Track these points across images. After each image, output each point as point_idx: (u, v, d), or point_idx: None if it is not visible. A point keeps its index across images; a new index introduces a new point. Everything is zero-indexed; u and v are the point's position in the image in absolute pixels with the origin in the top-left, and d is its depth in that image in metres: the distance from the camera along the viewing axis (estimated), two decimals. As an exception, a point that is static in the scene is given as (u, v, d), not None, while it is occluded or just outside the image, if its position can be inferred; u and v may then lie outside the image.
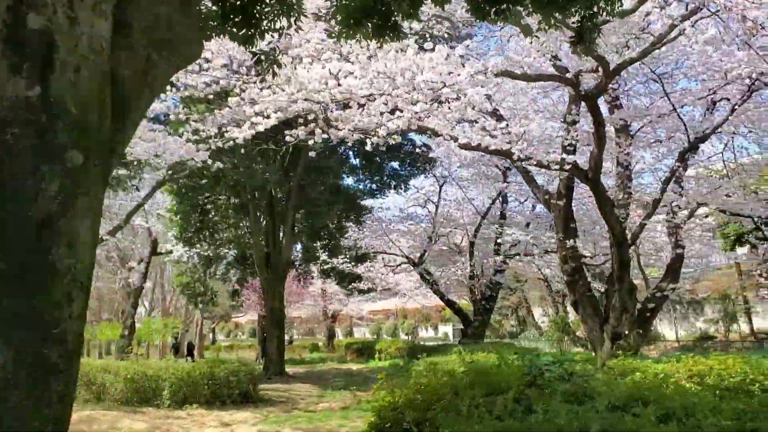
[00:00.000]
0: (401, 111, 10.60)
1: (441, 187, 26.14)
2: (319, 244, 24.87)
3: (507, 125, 11.89)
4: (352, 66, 7.71)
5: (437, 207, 26.20)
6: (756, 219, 16.12)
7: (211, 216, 24.63)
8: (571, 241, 13.80)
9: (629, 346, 13.56)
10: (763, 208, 15.32)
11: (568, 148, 12.97)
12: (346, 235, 27.73)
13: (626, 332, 13.59)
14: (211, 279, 33.61)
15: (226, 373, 13.67)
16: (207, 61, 10.73)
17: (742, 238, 24.51)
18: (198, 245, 24.94)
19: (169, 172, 15.95)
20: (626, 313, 13.71)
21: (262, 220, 22.39)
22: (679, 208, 15.04)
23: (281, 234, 22.30)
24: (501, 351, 14.52)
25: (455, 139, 11.17)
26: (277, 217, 21.88)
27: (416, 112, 10.76)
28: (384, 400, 3.99)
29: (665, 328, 29.25)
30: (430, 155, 23.97)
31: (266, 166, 20.38)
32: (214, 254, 27.70)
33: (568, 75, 10.76)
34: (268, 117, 8.48)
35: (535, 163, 11.53)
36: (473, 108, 11.44)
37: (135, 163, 16.78)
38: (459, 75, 8.76)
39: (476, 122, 11.94)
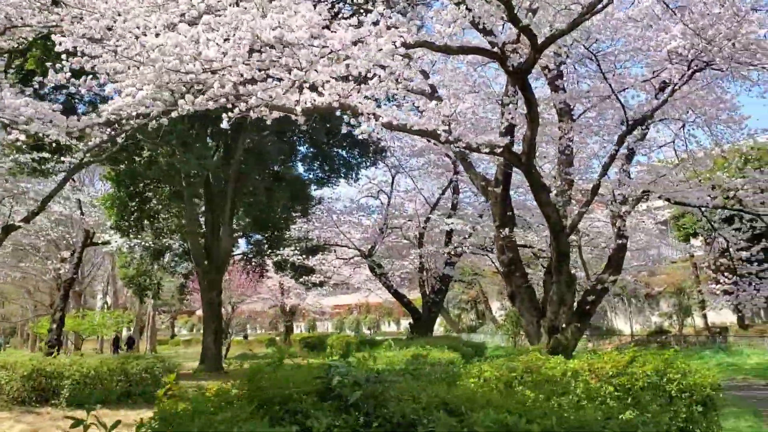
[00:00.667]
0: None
1: (394, 177, 25.36)
2: (264, 235, 23.92)
3: (437, 105, 11.09)
4: (213, 34, 6.78)
5: (390, 198, 25.42)
6: (703, 210, 15.56)
7: (152, 204, 23.56)
8: (507, 230, 13.08)
9: (566, 340, 12.92)
10: (710, 196, 14.79)
11: (502, 130, 12.27)
12: (294, 226, 26.89)
13: (563, 326, 12.95)
14: (159, 271, 32.48)
15: (139, 369, 12.73)
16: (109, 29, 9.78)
17: (696, 231, 24.13)
18: (138, 235, 23.84)
19: (88, 154, 14.88)
20: (564, 306, 13.06)
21: (199, 208, 21.40)
22: (623, 197, 14.45)
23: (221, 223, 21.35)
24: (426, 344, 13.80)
25: (377, 118, 10.34)
26: (216, 205, 20.90)
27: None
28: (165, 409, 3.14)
29: (621, 322, 28.86)
30: (381, 144, 23.20)
31: (203, 151, 19.41)
32: (160, 245, 26.62)
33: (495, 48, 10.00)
34: (140, 89, 7.54)
35: (464, 145, 10.74)
36: (397, 83, 10.65)
37: (53, 145, 15.69)
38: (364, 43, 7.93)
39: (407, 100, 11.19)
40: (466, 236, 22.94)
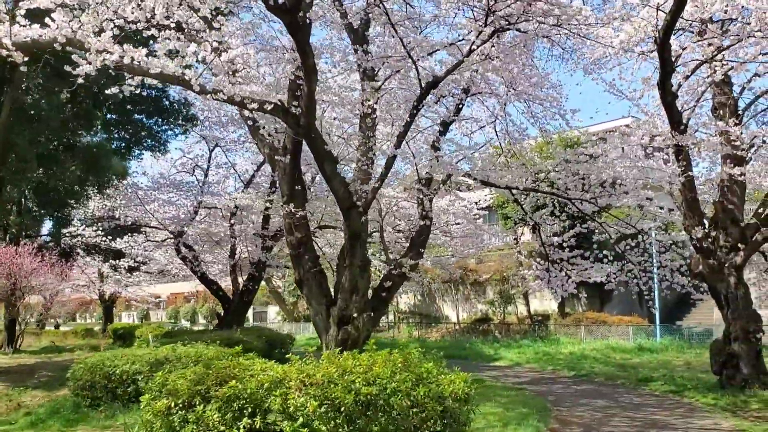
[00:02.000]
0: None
1: (211, 151, 22.93)
2: (51, 212, 20.71)
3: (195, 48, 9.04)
4: None
5: (206, 174, 23.00)
6: (515, 192, 14.74)
7: None
8: (293, 206, 11.35)
9: (357, 331, 11.44)
10: (520, 177, 13.94)
11: (292, 85, 10.50)
12: (96, 204, 23.86)
13: (355, 315, 11.46)
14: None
15: None
16: None
17: (517, 219, 23.82)
18: None
19: None
20: (357, 294, 11.56)
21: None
22: (429, 175, 13.23)
23: None
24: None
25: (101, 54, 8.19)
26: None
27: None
28: None
29: (449, 309, 28.33)
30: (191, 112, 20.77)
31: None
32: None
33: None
34: None
35: (225, 98, 8.83)
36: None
37: None
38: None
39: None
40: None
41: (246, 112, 13.20)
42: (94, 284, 38.11)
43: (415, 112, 10.59)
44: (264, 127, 11.65)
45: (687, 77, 10.01)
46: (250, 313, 49.83)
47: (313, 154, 10.45)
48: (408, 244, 13.43)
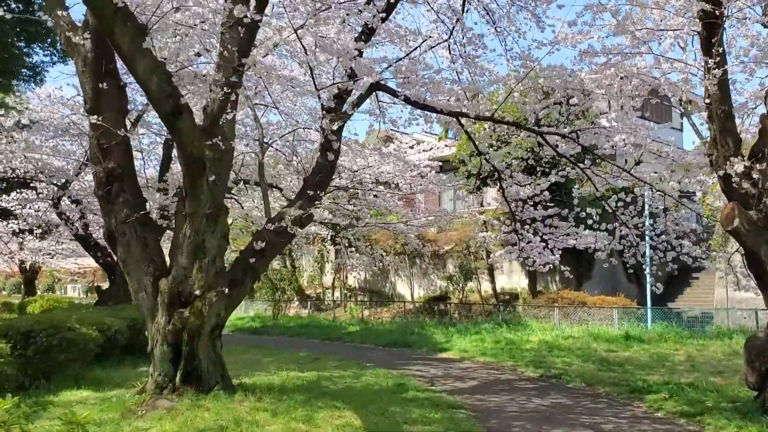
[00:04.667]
0: None
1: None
2: None
3: None
4: None
5: (104, 116, 18.66)
6: (464, 122, 10.61)
7: None
8: (91, 113, 7.15)
9: (199, 317, 7.32)
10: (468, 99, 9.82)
11: None
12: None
13: (198, 293, 7.34)
14: None
15: None
16: None
17: (488, 179, 19.63)
18: None
19: None
20: (204, 258, 7.43)
21: None
22: (338, 87, 9.10)
23: None
24: None
25: None
26: None
27: None
28: None
29: (404, 285, 24.21)
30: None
31: None
32: None
33: None
34: None
35: None
36: None
37: None
38: None
39: None
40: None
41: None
42: (13, 253, 33.81)
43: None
44: None
45: None
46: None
47: (91, 10, 6.19)
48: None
